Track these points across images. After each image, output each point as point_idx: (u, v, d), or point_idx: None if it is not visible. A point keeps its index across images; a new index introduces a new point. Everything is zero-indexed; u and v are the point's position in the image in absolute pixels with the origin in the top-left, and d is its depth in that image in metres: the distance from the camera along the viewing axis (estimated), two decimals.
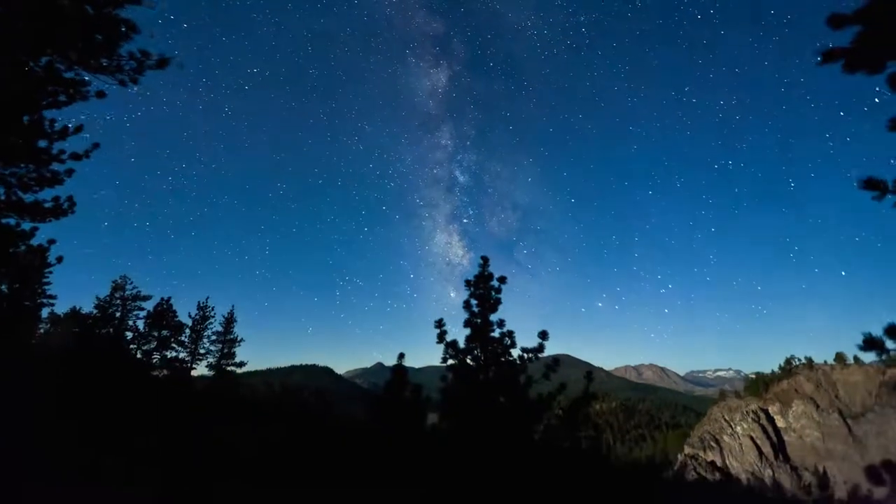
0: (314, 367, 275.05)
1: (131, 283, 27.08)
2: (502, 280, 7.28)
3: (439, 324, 7.17)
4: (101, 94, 8.71)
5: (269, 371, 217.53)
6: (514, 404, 6.92)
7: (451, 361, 7.22)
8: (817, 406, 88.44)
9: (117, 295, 26.69)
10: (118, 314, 26.42)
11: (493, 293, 7.25)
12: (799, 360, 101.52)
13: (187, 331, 26.74)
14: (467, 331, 7.26)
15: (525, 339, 7.32)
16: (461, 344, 7.16)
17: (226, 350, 27.00)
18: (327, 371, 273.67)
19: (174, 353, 26.17)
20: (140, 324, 26.62)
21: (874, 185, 3.53)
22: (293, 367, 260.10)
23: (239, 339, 27.55)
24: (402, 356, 7.81)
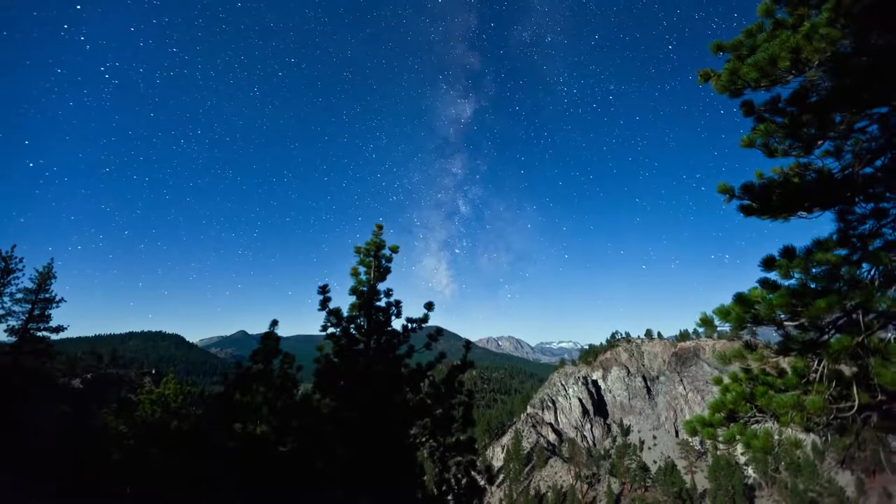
0: (159, 333, 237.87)
1: None
2: (394, 249, 7.07)
3: (323, 290, 6.71)
4: None
5: (99, 338, 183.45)
6: (394, 373, 6.90)
7: (332, 330, 6.85)
8: (629, 372, 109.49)
9: None
10: None
11: (384, 262, 7.01)
12: (621, 334, 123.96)
13: None
14: (352, 299, 6.94)
15: (410, 311, 7.27)
16: (345, 312, 6.82)
17: (36, 311, 21.69)
18: (175, 339, 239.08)
19: None
20: None
21: (725, 190, 4.27)
22: (130, 334, 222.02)
23: (57, 298, 22.35)
24: (275, 323, 7.19)
